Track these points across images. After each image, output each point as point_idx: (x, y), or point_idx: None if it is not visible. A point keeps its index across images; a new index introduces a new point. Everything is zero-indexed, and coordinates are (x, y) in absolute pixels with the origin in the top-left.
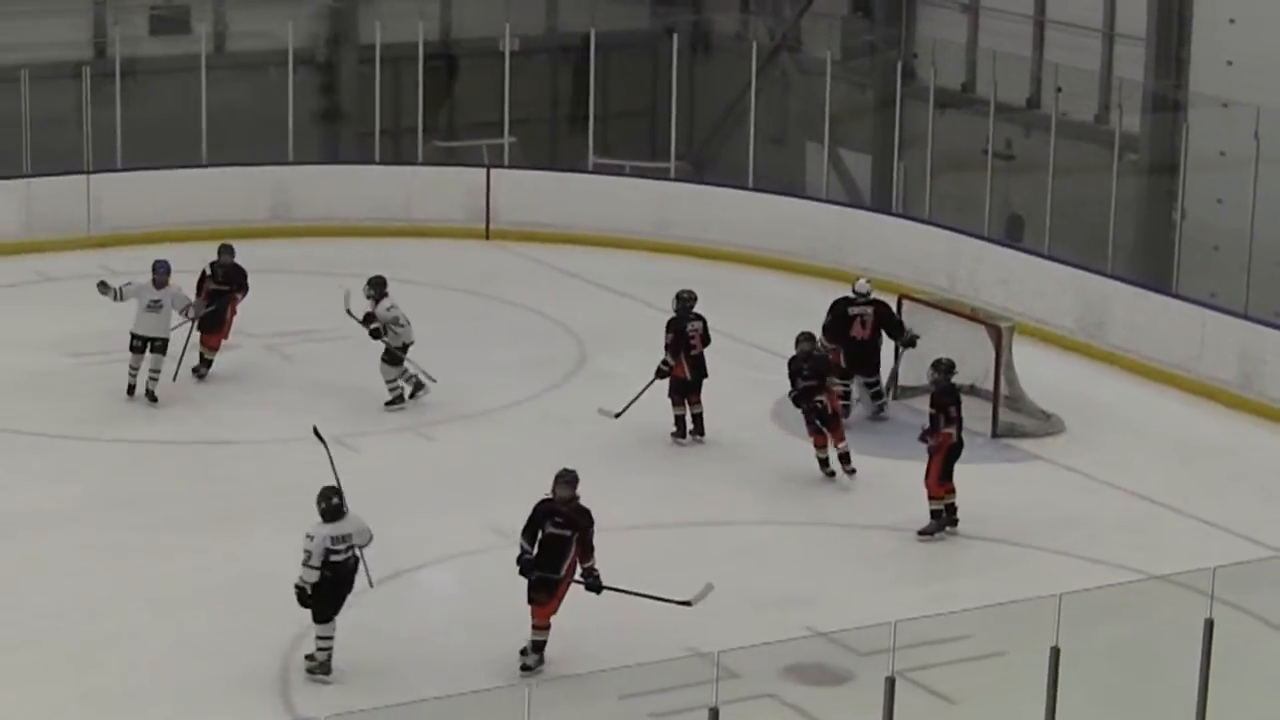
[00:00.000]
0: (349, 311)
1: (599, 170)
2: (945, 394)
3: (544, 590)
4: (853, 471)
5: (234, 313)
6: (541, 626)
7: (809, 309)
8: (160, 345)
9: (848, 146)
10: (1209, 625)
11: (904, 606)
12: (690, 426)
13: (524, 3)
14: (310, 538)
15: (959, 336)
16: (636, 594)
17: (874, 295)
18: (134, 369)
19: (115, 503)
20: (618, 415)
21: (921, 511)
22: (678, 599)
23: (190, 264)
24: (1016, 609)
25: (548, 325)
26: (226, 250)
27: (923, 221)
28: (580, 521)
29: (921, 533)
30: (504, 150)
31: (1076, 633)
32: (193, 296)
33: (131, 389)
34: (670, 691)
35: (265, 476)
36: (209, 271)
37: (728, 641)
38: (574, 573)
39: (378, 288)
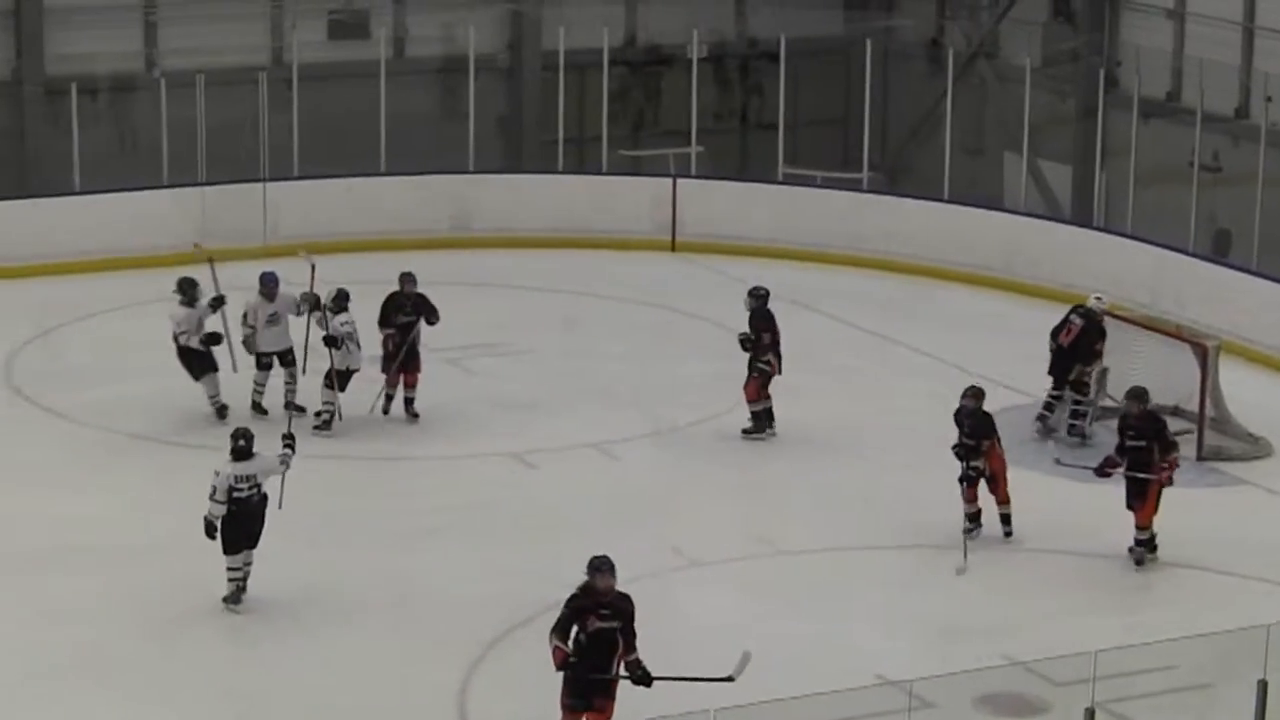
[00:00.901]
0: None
1: (788, 181)
2: (1154, 420)
3: (602, 692)
4: (1009, 534)
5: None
6: None
7: (1005, 325)
8: (289, 358)
9: (1047, 157)
10: None
11: (1101, 635)
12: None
13: (712, 8)
14: (217, 474)
15: (1162, 355)
16: (681, 679)
17: (1098, 314)
18: (260, 386)
19: (294, 518)
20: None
21: (1116, 538)
22: (720, 676)
23: (363, 273)
24: (1221, 640)
25: (734, 340)
26: (409, 279)
27: (1125, 235)
28: (626, 609)
29: (1138, 562)
30: (691, 159)
31: None
32: (367, 324)
33: (257, 406)
34: None
35: (445, 492)
36: (397, 303)
37: (917, 669)
38: (620, 667)
39: (339, 301)
